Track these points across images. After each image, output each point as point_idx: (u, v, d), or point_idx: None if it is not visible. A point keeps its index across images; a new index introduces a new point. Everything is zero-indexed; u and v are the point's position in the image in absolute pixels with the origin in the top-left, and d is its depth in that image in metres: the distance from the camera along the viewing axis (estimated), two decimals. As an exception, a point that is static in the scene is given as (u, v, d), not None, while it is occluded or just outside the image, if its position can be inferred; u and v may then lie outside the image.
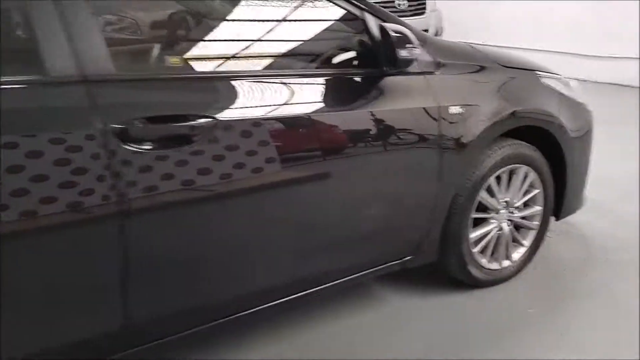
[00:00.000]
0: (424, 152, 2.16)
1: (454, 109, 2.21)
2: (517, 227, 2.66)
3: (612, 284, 2.63)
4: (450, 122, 2.20)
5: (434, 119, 2.15)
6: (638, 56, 7.41)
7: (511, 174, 2.54)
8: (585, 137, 2.77)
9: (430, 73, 2.19)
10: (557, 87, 2.66)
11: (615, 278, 2.68)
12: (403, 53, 1.93)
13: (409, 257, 2.30)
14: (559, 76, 2.74)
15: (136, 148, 1.53)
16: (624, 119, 5.61)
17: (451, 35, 7.21)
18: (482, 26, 8.69)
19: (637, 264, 2.78)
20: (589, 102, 2.87)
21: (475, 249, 2.50)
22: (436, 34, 6.80)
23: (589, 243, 3.05)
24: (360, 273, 2.21)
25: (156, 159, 1.57)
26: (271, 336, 2.24)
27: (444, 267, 2.51)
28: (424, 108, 2.13)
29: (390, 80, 2.07)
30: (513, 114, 2.38)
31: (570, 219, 2.97)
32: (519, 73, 2.54)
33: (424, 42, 2.18)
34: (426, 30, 6.28)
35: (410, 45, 1.95)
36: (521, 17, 8.36)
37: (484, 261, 2.55)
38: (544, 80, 2.61)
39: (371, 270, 2.23)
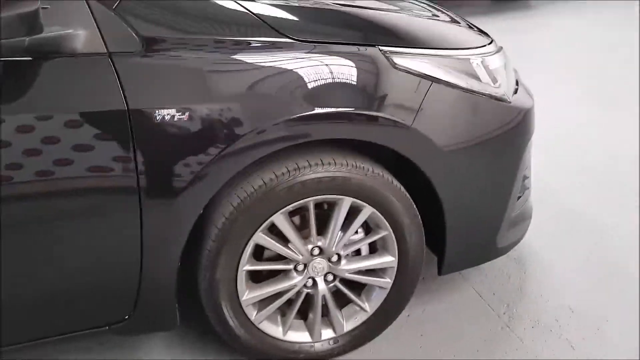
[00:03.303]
0: (108, 186, 1.35)
1: (165, 113, 1.35)
2: (356, 284, 1.76)
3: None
4: (155, 135, 1.35)
5: (121, 131, 1.32)
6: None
7: (331, 206, 1.63)
8: (485, 149, 1.68)
9: (126, 54, 1.35)
10: (429, 71, 1.59)
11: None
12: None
13: (115, 322, 1.55)
14: (449, 53, 1.64)
15: None
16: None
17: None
18: None
19: None
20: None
21: (258, 314, 1.66)
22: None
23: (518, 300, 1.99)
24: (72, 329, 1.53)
25: None
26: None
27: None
28: (96, 112, 1.31)
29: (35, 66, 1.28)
30: (290, 121, 1.43)
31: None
32: (333, 52, 1.50)
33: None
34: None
35: None
36: None
37: (274, 330, 1.71)
38: (398, 59, 1.56)
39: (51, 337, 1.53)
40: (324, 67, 1.48)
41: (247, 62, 1.43)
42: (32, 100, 1.28)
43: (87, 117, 1.30)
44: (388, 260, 1.70)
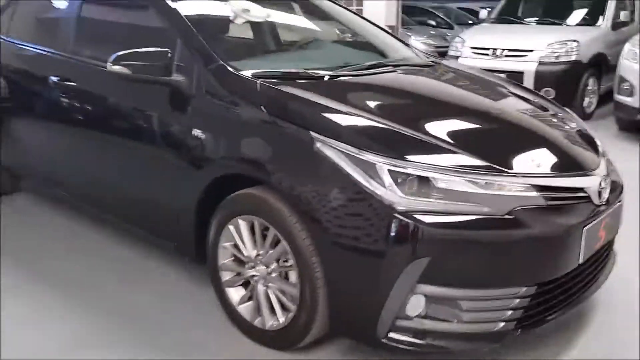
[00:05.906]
0: (170, 156, 2.57)
1: (196, 132, 2.39)
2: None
3: None
4: (191, 144, 2.44)
5: (180, 135, 2.51)
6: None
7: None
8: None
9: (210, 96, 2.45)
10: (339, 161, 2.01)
11: None
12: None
13: (173, 243, 2.72)
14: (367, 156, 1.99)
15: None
16: None
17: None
18: None
19: None
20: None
21: (227, 280, 2.45)
22: None
23: None
24: (144, 230, 2.93)
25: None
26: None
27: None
28: (173, 121, 2.55)
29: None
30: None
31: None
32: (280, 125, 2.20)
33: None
34: None
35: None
36: None
37: (234, 298, 2.45)
38: (319, 145, 2.05)
39: (149, 234, 2.90)
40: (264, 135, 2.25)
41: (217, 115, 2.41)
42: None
43: None
44: (293, 291, 2.20)
